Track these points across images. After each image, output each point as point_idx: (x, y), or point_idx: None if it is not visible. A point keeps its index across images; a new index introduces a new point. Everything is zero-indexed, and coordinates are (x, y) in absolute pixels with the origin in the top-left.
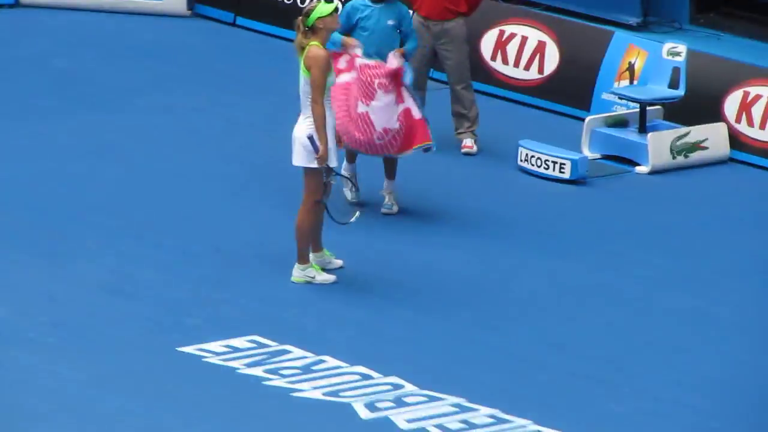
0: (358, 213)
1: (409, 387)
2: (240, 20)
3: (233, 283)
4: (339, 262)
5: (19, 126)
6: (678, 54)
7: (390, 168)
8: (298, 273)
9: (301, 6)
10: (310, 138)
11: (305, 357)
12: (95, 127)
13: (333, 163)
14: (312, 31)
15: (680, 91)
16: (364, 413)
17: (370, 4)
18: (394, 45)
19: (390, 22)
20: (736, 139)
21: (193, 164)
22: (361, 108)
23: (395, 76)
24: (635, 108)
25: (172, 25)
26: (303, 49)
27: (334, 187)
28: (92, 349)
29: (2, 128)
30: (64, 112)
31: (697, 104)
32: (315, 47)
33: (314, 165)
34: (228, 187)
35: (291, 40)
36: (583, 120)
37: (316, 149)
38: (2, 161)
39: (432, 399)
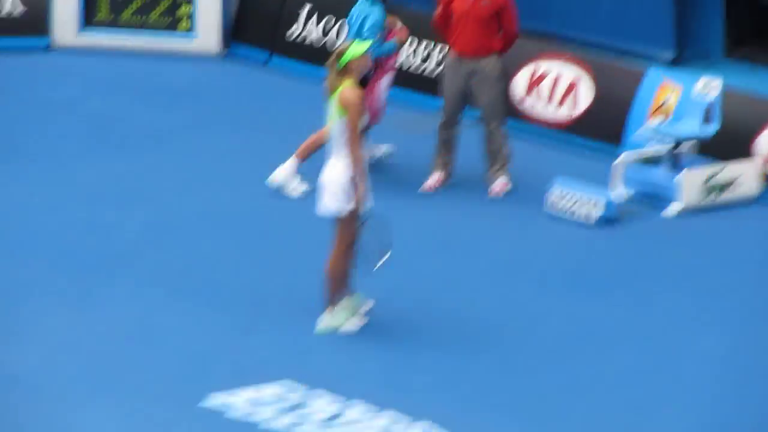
0: (388, 254)
1: None
2: (275, 59)
3: (261, 329)
4: (369, 304)
5: (50, 169)
6: (712, 89)
7: None
8: (327, 320)
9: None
10: (353, 179)
11: (333, 402)
12: (126, 170)
13: (369, 204)
14: (344, 71)
15: (713, 128)
16: None
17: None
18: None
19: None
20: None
21: (225, 206)
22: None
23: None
24: (669, 144)
25: (205, 66)
26: (335, 89)
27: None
28: (119, 400)
29: (33, 172)
30: (95, 155)
31: (729, 140)
32: (349, 89)
33: (351, 207)
34: (258, 230)
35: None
36: (616, 156)
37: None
38: (32, 206)
39: None
